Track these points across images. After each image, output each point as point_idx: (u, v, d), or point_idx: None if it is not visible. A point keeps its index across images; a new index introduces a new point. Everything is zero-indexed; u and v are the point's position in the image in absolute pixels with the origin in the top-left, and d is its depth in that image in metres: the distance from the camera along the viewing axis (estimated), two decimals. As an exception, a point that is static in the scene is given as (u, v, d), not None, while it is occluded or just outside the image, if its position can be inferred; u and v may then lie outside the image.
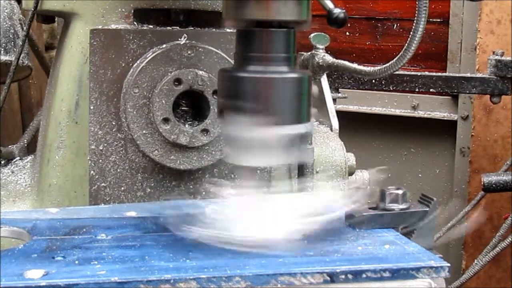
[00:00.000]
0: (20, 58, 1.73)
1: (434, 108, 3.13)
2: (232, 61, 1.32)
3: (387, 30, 3.21)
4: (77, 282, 0.92)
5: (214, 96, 1.43)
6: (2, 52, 1.84)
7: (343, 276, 0.99)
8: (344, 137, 1.74)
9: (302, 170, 1.58)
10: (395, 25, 3.19)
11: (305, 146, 1.55)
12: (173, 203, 1.36)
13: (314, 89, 1.13)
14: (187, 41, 1.45)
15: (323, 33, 1.77)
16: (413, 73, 2.54)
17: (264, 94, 1.09)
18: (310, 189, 1.53)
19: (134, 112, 1.43)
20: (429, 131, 3.14)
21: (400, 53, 1.29)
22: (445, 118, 3.10)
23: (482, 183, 2.19)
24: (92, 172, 1.46)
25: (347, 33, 3.25)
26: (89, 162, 1.46)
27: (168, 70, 1.44)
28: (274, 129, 1.09)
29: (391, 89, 2.57)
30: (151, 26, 1.49)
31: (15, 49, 1.84)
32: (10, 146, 1.80)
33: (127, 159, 1.47)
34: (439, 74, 2.59)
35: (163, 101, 1.42)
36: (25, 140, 1.88)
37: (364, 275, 1.00)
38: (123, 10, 1.48)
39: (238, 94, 1.11)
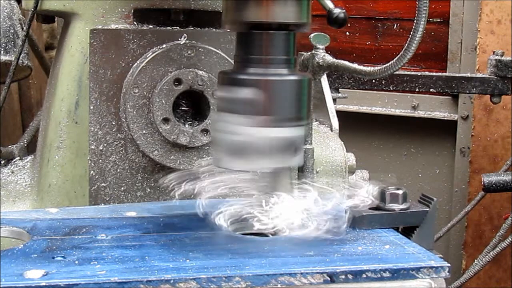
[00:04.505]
0: (20, 58, 1.73)
1: (434, 108, 3.12)
2: (232, 61, 1.32)
3: (387, 30, 3.21)
4: (77, 282, 0.92)
5: (214, 96, 1.43)
6: (2, 52, 1.84)
7: (343, 276, 0.99)
8: (344, 137, 1.74)
9: (302, 170, 1.58)
10: (395, 25, 3.19)
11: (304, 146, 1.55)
12: (173, 203, 1.36)
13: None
14: (187, 41, 1.45)
15: (323, 33, 1.77)
16: (413, 73, 2.54)
17: (264, 96, 1.09)
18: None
19: (134, 112, 1.43)
20: (429, 131, 3.14)
21: (400, 53, 1.29)
22: (445, 118, 3.10)
23: (482, 183, 2.19)
24: (92, 172, 1.46)
25: (347, 33, 3.25)
26: (89, 162, 1.46)
27: (168, 70, 1.44)
28: (274, 131, 1.09)
29: (391, 89, 2.57)
30: (151, 26, 1.49)
31: (15, 49, 1.84)
32: (10, 146, 1.80)
33: (127, 159, 1.47)
34: (439, 74, 2.58)
35: (163, 101, 1.42)
36: (25, 140, 1.88)
37: (364, 275, 1.00)
38: (123, 10, 1.48)
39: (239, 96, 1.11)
